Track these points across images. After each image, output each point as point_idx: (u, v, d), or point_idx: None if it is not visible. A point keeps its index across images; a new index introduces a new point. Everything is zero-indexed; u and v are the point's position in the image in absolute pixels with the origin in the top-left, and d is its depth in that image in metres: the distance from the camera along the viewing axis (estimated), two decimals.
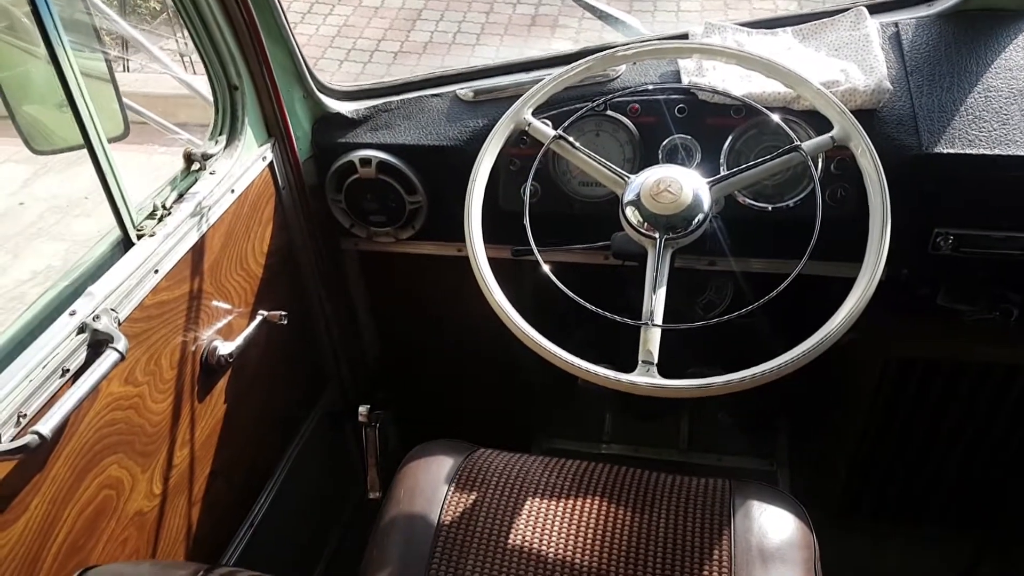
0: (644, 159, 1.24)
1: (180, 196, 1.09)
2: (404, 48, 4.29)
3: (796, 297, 1.05)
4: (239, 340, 1.17)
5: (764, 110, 1.09)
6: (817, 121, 1.14)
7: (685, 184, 1.02)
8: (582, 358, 1.43)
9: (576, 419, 1.83)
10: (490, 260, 1.28)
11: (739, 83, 1.21)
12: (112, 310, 0.92)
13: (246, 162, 1.19)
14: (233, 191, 1.15)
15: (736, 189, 1.09)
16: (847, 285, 0.99)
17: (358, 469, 1.55)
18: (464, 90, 1.35)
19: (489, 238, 1.09)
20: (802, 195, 1.19)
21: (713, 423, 1.79)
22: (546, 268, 1.03)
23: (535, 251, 1.04)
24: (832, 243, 1.08)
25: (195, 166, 1.12)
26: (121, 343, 0.88)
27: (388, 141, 1.32)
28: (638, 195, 1.04)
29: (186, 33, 1.13)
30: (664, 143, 1.22)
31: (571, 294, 1.00)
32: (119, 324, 0.93)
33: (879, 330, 1.31)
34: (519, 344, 1.00)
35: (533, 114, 1.15)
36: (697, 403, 1.73)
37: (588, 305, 1.00)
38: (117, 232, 0.99)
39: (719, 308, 1.32)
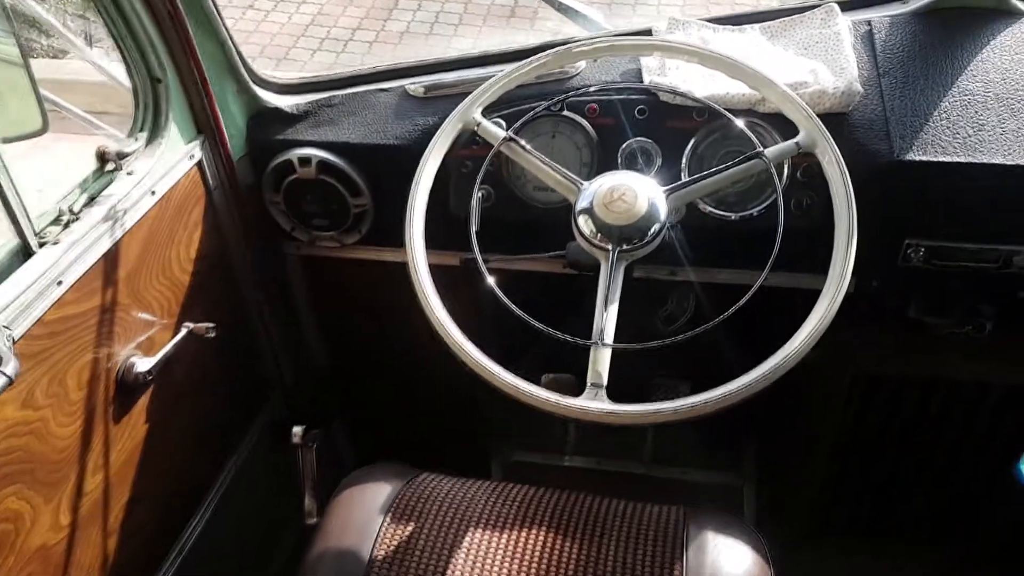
0: (602, 163, 1.18)
1: (92, 199, 1.01)
2: (379, 38, 4.20)
3: (760, 309, 1.00)
4: (161, 354, 1.09)
5: (726, 113, 1.04)
6: (784, 125, 1.09)
7: (640, 192, 0.96)
8: (545, 370, 1.38)
9: (538, 430, 1.76)
10: (442, 268, 1.22)
11: (702, 83, 1.15)
12: (5, 327, 0.84)
13: (170, 161, 1.11)
14: (154, 193, 1.07)
15: (696, 198, 1.03)
16: (813, 297, 0.94)
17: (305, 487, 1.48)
18: (414, 85, 1.28)
19: (440, 244, 1.04)
20: (766, 203, 1.13)
21: (679, 436, 1.74)
22: (490, 281, 0.96)
23: (479, 262, 0.98)
24: (798, 254, 1.04)
25: (110, 166, 1.04)
26: (10, 365, 0.80)
27: (330, 139, 1.24)
28: (591, 203, 0.98)
29: (101, 19, 1.04)
30: (623, 147, 1.16)
31: (516, 310, 0.94)
32: (13, 343, 0.85)
33: (846, 345, 1.27)
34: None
35: (484, 113, 1.08)
36: (661, 426, 1.68)
37: (533, 321, 0.94)
38: (15, 240, 0.91)
39: (680, 320, 1.27)
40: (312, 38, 4.23)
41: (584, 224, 0.99)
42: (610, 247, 0.96)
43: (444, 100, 1.26)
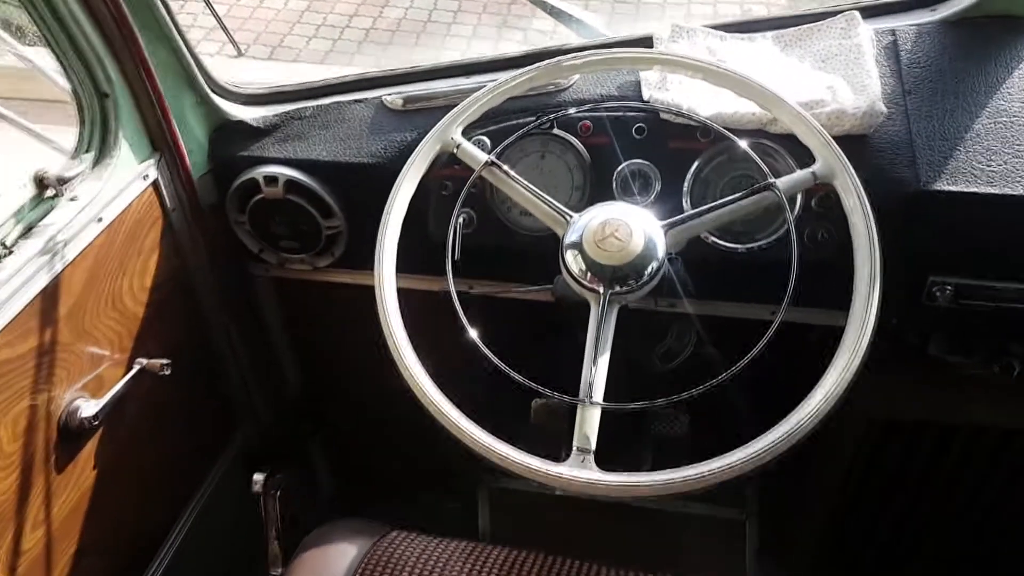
0: (596, 187, 1.08)
1: (28, 229, 0.92)
2: (376, 25, 4.08)
3: (768, 345, 0.91)
4: (110, 395, 1.01)
5: (731, 136, 0.94)
6: (798, 147, 0.99)
7: (635, 228, 0.87)
8: (536, 393, 1.30)
9: (528, 451, 1.69)
10: (421, 293, 1.13)
11: (707, 101, 1.05)
12: None
13: (120, 183, 1.02)
14: (101, 219, 0.98)
15: (698, 233, 0.93)
16: (828, 334, 0.86)
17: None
18: (392, 96, 1.18)
19: (420, 268, 0.98)
20: (776, 235, 1.03)
21: (676, 456, 1.65)
22: (473, 335, 0.87)
23: (457, 307, 0.89)
24: (812, 288, 0.95)
25: (49, 192, 0.95)
26: None
27: (299, 156, 1.15)
28: (580, 238, 0.88)
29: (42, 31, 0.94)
30: (618, 169, 1.07)
31: (497, 362, 0.86)
32: None
33: (859, 388, 1.17)
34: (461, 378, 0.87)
35: (466, 132, 0.99)
36: (658, 442, 1.61)
37: (515, 376, 0.85)
38: None
39: (680, 358, 1.17)
40: (308, 24, 4.12)
41: (572, 261, 0.89)
42: (601, 289, 0.87)
43: (424, 114, 1.16)
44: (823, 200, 1.01)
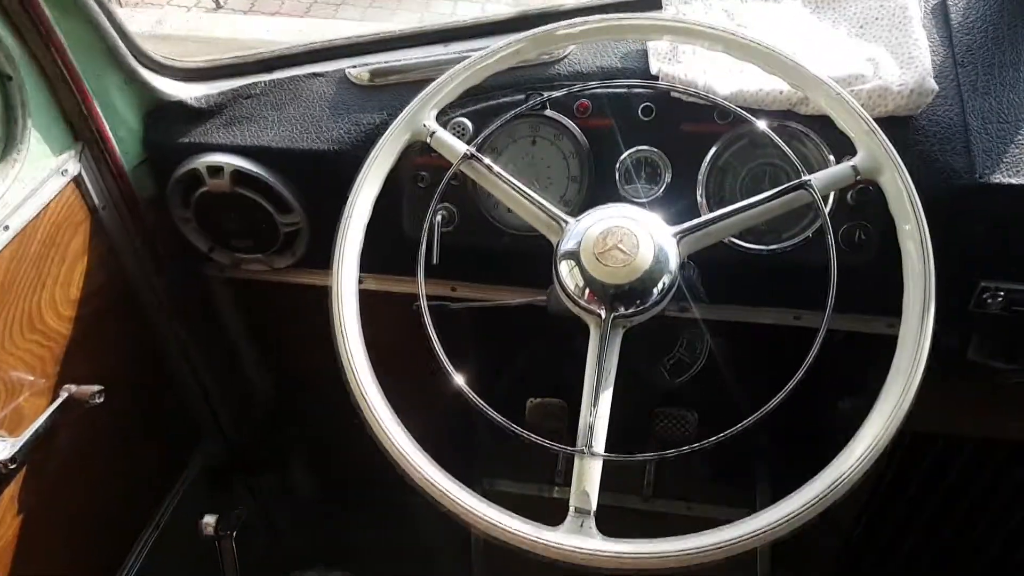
0: (596, 178, 0.94)
1: None
2: None
3: (791, 350, 0.84)
4: (30, 432, 0.87)
5: (755, 121, 0.80)
6: (833, 131, 0.85)
7: (643, 238, 0.73)
8: (529, 393, 1.18)
9: (526, 457, 1.57)
10: (395, 296, 1.01)
11: (727, 75, 0.90)
12: None
13: (31, 182, 0.87)
14: (7, 227, 0.84)
15: (718, 240, 0.80)
16: (855, 340, 0.80)
17: (251, 535, 1.30)
18: (357, 68, 1.03)
19: (396, 268, 0.88)
20: (805, 235, 0.90)
21: (682, 468, 1.55)
22: (459, 381, 0.75)
23: (430, 331, 0.76)
24: (842, 292, 0.83)
25: None
26: None
27: (248, 141, 1.00)
28: (577, 250, 0.75)
29: None
30: (622, 157, 0.93)
31: (491, 412, 0.74)
32: None
33: None
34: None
35: (441, 116, 0.84)
36: (662, 444, 1.51)
37: (512, 426, 0.73)
38: None
39: (691, 371, 1.05)
40: None
41: (568, 275, 0.76)
42: (602, 312, 0.74)
43: (395, 90, 1.01)
44: (861, 193, 0.87)
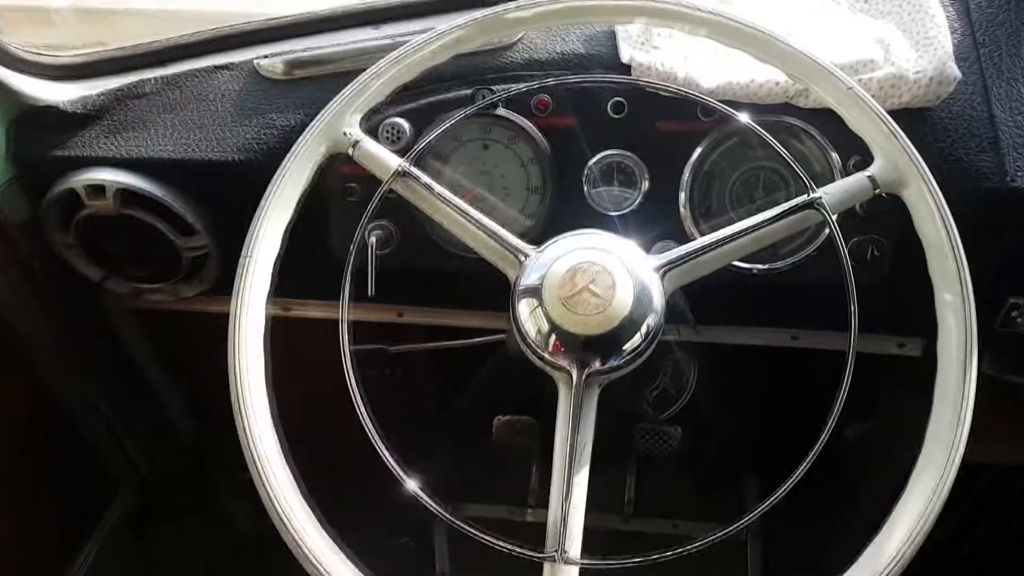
0: (558, 187, 0.80)
1: None
2: None
3: (789, 372, 0.80)
4: None
5: (747, 122, 0.66)
6: (841, 129, 0.73)
7: (620, 277, 0.60)
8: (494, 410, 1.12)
9: (494, 476, 1.49)
10: (319, 323, 0.88)
11: (712, 64, 0.76)
12: None
13: None
14: None
15: (709, 272, 0.67)
16: (864, 361, 0.64)
17: None
18: (270, 59, 0.87)
19: (322, 293, 0.72)
20: (807, 253, 0.78)
21: (664, 481, 1.45)
22: (413, 487, 0.62)
23: (354, 390, 0.62)
24: (864, 310, 0.73)
25: None
26: None
27: (137, 153, 0.84)
28: (540, 288, 0.61)
29: None
30: (590, 163, 0.79)
31: (450, 519, 0.61)
32: None
33: (905, 420, 0.96)
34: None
35: (367, 121, 0.70)
36: (643, 458, 1.41)
37: (483, 536, 0.60)
38: None
39: (677, 405, 0.93)
40: None
41: (529, 319, 0.62)
42: (573, 370, 0.60)
43: (317, 84, 0.86)
44: (872, 201, 0.75)
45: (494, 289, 0.67)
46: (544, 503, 1.51)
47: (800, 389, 1.06)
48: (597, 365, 0.61)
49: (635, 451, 1.23)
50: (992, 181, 0.74)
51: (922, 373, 0.89)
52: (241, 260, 0.65)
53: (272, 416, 0.62)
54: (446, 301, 0.93)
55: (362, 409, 0.60)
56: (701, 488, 1.46)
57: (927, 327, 0.86)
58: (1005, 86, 0.76)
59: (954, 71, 0.73)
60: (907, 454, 0.99)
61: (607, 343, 0.60)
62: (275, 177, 0.67)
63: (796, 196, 0.77)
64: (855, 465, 1.09)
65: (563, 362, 0.61)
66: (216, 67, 0.87)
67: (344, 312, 0.64)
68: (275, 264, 0.66)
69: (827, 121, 0.75)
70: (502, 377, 0.85)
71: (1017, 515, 1.07)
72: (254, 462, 0.59)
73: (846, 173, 0.75)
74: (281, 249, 0.66)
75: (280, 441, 0.61)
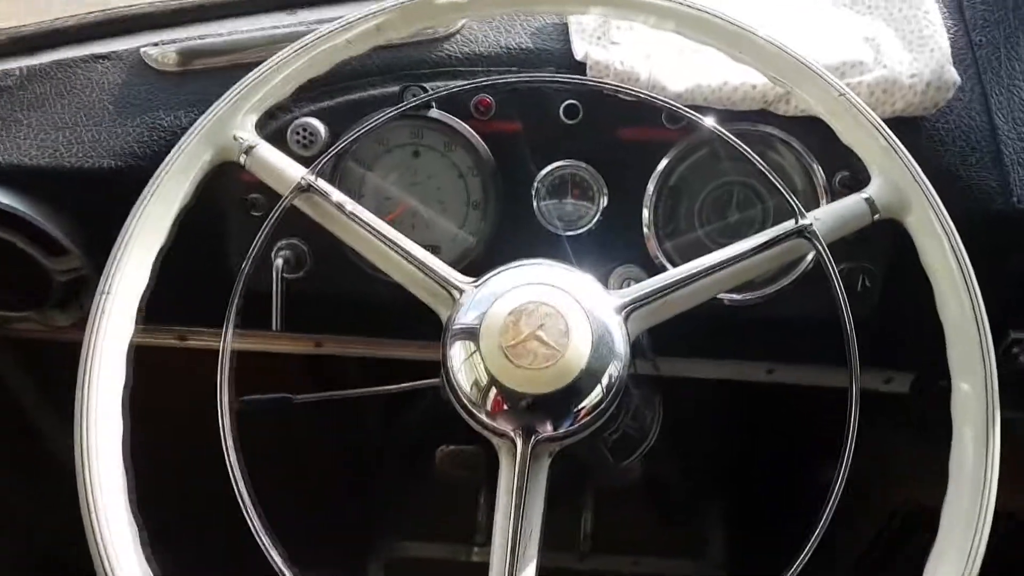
0: (505, 204, 0.69)
1: None
2: None
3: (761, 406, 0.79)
4: None
5: (719, 130, 0.57)
6: (825, 138, 0.64)
7: (574, 321, 0.50)
8: (437, 441, 1.04)
9: (437, 512, 1.40)
10: (242, 355, 0.77)
11: (678, 64, 0.67)
12: None
13: None
14: None
15: (681, 311, 0.56)
16: (870, 400, 0.59)
17: None
18: (160, 48, 0.74)
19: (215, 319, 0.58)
20: (784, 283, 0.69)
21: (624, 514, 1.38)
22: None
23: (228, 454, 0.51)
24: (830, 343, 0.65)
25: None
26: None
27: None
28: (476, 334, 0.50)
29: None
30: (540, 176, 0.68)
31: None
32: None
33: (885, 468, 0.88)
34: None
35: (273, 122, 0.59)
36: (601, 490, 1.33)
37: None
38: None
39: (639, 451, 0.82)
40: None
41: (462, 368, 0.51)
42: (518, 439, 0.50)
43: (214, 77, 0.73)
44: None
45: (431, 316, 0.56)
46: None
47: (773, 420, 0.98)
48: (548, 430, 0.50)
49: (591, 483, 1.15)
50: (996, 202, 0.66)
51: (911, 410, 0.82)
52: (96, 298, 0.52)
53: (127, 494, 0.50)
54: (373, 330, 0.81)
55: (236, 475, 0.49)
56: (663, 520, 1.37)
57: (917, 360, 0.78)
58: (1005, 93, 0.68)
59: (953, 75, 0.64)
60: (889, 498, 0.92)
61: (559, 403, 0.50)
62: (144, 193, 0.55)
63: (774, 214, 0.69)
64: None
65: (504, 426, 0.50)
66: (95, 56, 0.74)
67: (224, 360, 0.52)
68: (141, 300, 0.53)
69: (809, 131, 0.66)
70: (441, 414, 0.74)
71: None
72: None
73: (831, 191, 0.67)
74: (151, 282, 0.54)
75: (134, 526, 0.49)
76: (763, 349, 0.80)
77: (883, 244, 0.67)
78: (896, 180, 0.54)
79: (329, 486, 1.28)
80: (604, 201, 0.68)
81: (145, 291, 0.54)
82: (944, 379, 0.83)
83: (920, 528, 0.95)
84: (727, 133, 0.56)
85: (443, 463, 1.08)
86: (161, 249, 0.54)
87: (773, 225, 0.68)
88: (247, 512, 0.49)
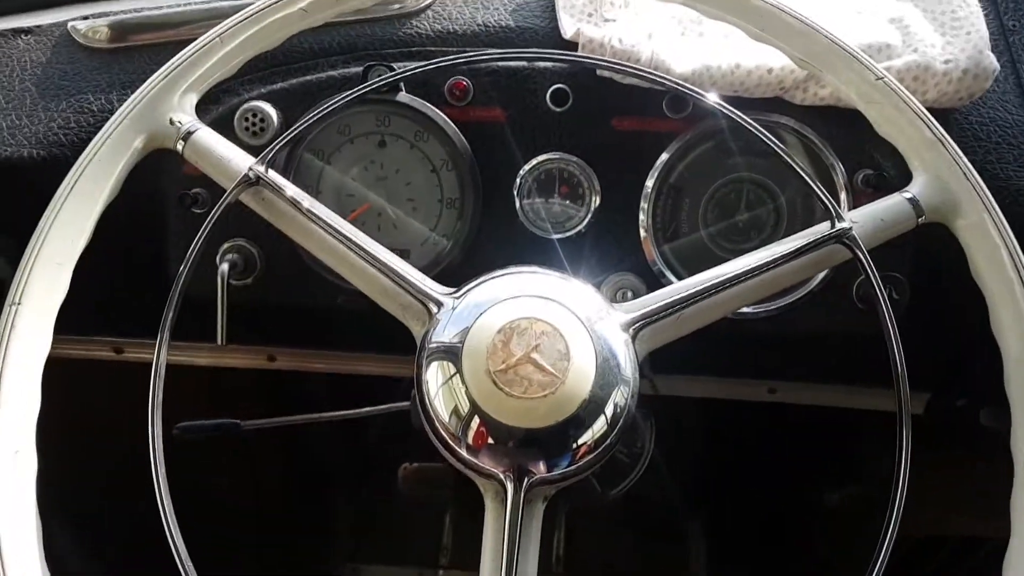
0: (478, 204, 0.62)
1: None
2: None
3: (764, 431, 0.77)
4: None
5: (732, 113, 0.50)
6: (846, 126, 0.58)
7: (575, 342, 0.43)
8: (400, 459, 0.97)
9: (400, 533, 1.37)
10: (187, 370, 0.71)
11: (682, 43, 0.60)
12: None
13: None
14: None
15: (697, 328, 0.50)
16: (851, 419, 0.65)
17: None
18: (90, 22, 0.67)
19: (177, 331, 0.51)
20: (800, 295, 0.62)
21: (597, 529, 1.33)
22: None
23: (159, 493, 0.44)
24: (844, 359, 0.69)
25: None
26: None
27: None
28: (458, 355, 0.43)
29: None
30: (524, 171, 0.61)
31: None
32: None
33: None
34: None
35: (217, 105, 0.52)
36: (575, 508, 1.28)
37: None
38: None
39: (630, 479, 0.76)
40: None
41: (439, 397, 0.45)
42: (508, 481, 0.43)
43: (153, 55, 0.66)
44: None
45: (397, 327, 0.49)
46: (459, 559, 1.35)
47: (761, 438, 0.94)
48: (542, 470, 0.43)
49: (568, 500, 1.09)
50: None
51: (928, 433, 0.76)
52: (5, 310, 0.45)
53: (40, 549, 0.42)
54: (333, 342, 0.74)
55: (162, 500, 0.42)
56: (641, 540, 1.32)
57: (935, 379, 0.72)
58: None
59: (992, 63, 0.59)
60: (903, 525, 0.87)
61: (558, 438, 0.43)
62: (63, 186, 0.47)
63: (788, 215, 0.63)
64: (833, 535, 0.96)
65: (492, 465, 0.43)
66: (16, 31, 0.67)
67: (157, 379, 0.44)
68: (57, 312, 0.46)
69: (828, 123, 0.60)
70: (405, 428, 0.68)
71: None
72: None
73: (852, 191, 0.61)
74: (69, 290, 0.46)
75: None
76: (767, 366, 0.74)
77: (907, 250, 0.61)
78: (944, 177, 0.47)
79: (284, 507, 1.24)
80: (596, 200, 0.62)
81: (62, 300, 0.46)
82: (962, 399, 0.78)
83: (934, 556, 0.90)
84: (753, 123, 0.49)
85: (407, 481, 1.04)
86: (80, 249, 0.47)
87: (787, 228, 0.63)
88: (176, 554, 0.42)
